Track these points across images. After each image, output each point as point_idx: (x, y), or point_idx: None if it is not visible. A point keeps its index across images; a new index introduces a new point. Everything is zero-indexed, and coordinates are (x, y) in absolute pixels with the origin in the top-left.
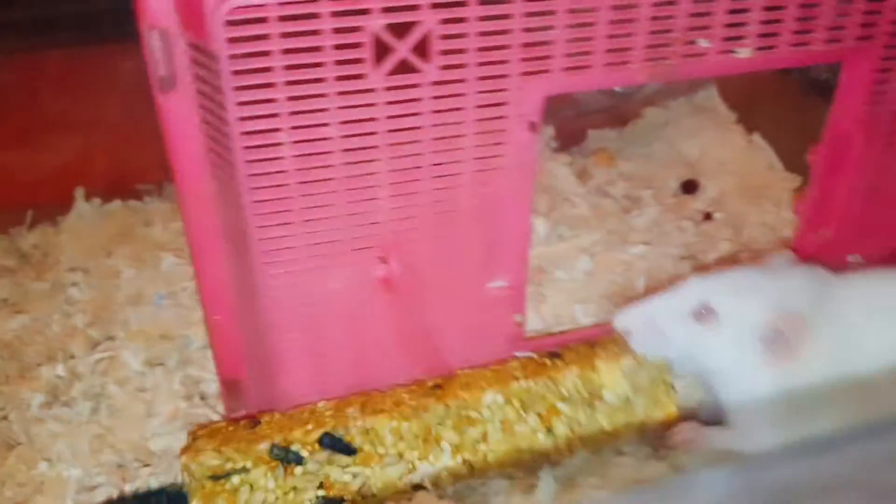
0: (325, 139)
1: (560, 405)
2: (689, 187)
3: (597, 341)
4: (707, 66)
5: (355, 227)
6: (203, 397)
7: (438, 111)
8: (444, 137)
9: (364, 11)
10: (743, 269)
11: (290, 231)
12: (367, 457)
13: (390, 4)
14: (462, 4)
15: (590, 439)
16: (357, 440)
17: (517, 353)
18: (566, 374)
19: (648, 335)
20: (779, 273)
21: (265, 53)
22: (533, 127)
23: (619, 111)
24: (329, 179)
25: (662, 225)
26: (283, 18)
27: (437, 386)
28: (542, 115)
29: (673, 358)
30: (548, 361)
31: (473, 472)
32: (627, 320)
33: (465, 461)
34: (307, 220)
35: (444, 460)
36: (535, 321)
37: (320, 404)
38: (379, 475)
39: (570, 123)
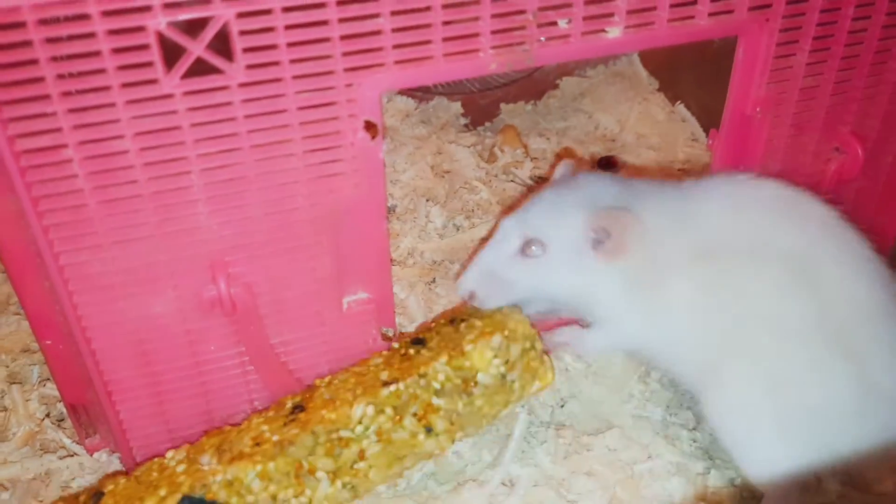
0: (121, 153)
1: (435, 401)
2: (607, 164)
3: (457, 314)
4: (570, 48)
5: (174, 247)
6: (62, 418)
7: (252, 115)
8: (265, 144)
9: (144, 9)
10: (544, 192)
11: (94, 255)
12: None
13: (174, 0)
14: None
15: (471, 425)
16: (221, 495)
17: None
18: (434, 365)
19: (491, 289)
20: (578, 182)
21: (31, 62)
22: (370, 127)
23: (532, 82)
24: (134, 197)
25: None
26: (45, 22)
27: (298, 407)
28: (380, 113)
29: (521, 300)
30: (412, 351)
31: (357, 494)
32: (467, 283)
33: (345, 485)
34: (115, 242)
35: (323, 490)
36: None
37: (168, 455)
38: None
39: (478, 98)
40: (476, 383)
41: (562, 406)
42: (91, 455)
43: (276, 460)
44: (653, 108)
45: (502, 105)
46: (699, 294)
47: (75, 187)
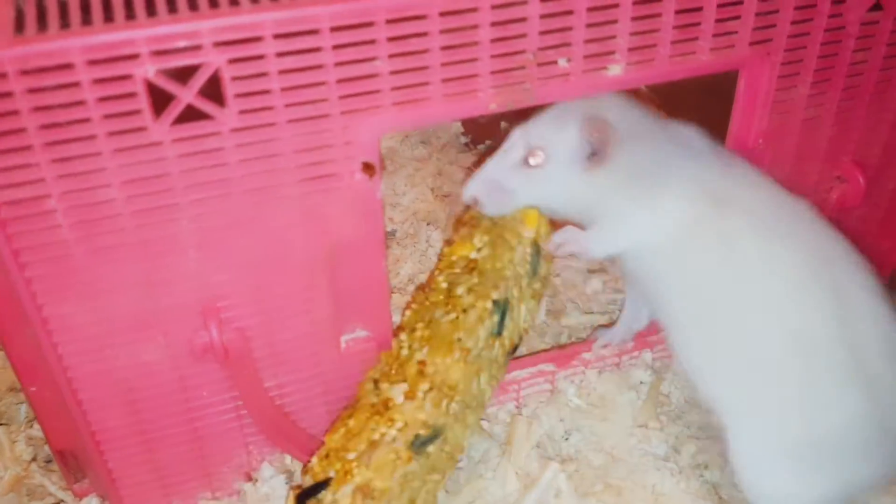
0: (107, 202)
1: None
2: None
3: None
4: (571, 86)
5: (163, 294)
6: (49, 460)
7: (245, 160)
8: (259, 188)
9: (131, 57)
10: (559, 105)
11: (80, 306)
12: None
13: (163, 47)
14: (256, 40)
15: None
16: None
17: None
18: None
19: (495, 196)
20: (591, 100)
21: (12, 113)
22: (368, 168)
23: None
24: (121, 245)
25: None
26: (27, 72)
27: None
28: (377, 154)
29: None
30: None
31: None
32: (473, 189)
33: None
34: (101, 292)
35: None
36: None
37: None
38: None
39: (478, 116)
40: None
41: (566, 439)
42: (80, 500)
43: None
44: None
45: (503, 123)
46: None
47: (59, 238)
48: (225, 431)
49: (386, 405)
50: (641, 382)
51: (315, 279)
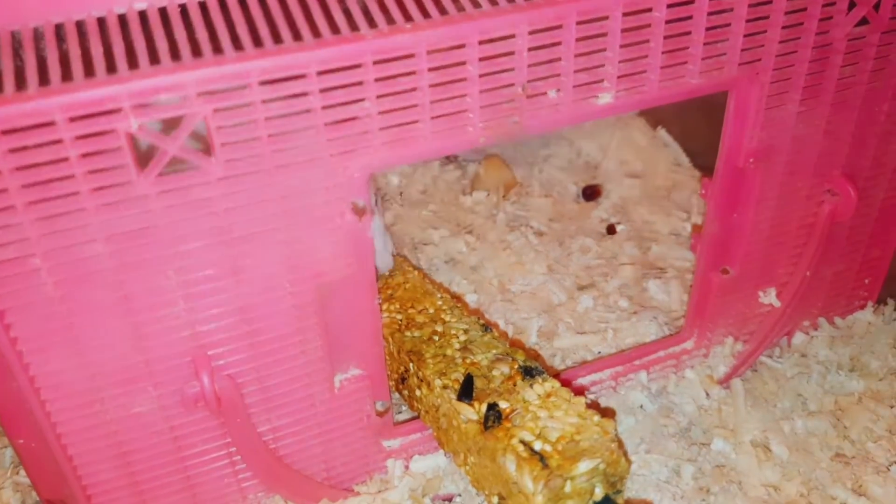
0: (92, 257)
1: None
2: (591, 193)
3: None
4: (561, 116)
5: (152, 346)
6: None
7: (234, 208)
8: (247, 235)
9: (113, 112)
10: None
11: (67, 362)
12: None
13: (145, 101)
14: (241, 88)
15: None
16: None
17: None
18: None
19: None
20: None
21: None
22: (358, 209)
23: None
24: (106, 300)
25: (562, 246)
26: (7, 132)
27: None
28: (367, 194)
29: None
30: None
31: None
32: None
33: None
34: (89, 347)
35: None
36: None
37: None
38: None
39: None
40: None
41: None
42: None
43: None
44: (634, 133)
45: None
46: None
47: (45, 296)
48: (218, 478)
49: None
50: (641, 406)
51: (306, 321)
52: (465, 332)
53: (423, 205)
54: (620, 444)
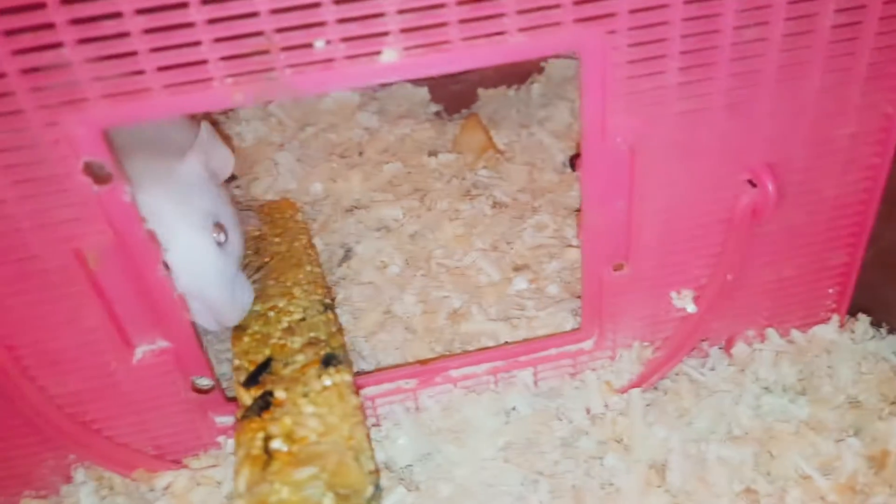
0: None
1: None
2: (579, 163)
3: None
4: (338, 75)
5: None
6: None
7: None
8: None
9: None
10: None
11: None
12: None
13: None
14: None
15: None
16: None
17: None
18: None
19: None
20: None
21: None
22: (91, 169)
23: (516, 65)
24: None
25: (519, 220)
26: None
27: None
28: (103, 153)
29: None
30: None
31: None
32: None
33: None
34: None
35: None
36: None
37: None
38: None
39: (450, 82)
40: None
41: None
42: None
43: None
44: None
45: (480, 90)
46: None
47: None
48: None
49: None
50: (514, 408)
51: (74, 287)
52: (304, 309)
53: (379, 164)
54: (365, 454)
